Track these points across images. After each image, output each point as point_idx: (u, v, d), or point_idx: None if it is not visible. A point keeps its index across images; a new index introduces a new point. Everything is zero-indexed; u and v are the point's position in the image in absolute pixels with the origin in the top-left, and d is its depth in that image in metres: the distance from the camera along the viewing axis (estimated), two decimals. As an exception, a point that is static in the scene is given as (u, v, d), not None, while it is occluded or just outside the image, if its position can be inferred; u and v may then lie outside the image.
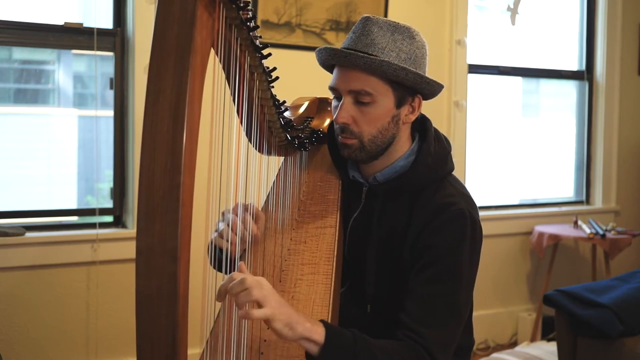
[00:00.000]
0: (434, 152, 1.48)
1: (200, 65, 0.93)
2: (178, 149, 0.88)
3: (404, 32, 1.41)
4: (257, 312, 1.12)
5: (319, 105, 1.73)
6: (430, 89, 1.44)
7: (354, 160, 1.48)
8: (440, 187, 1.46)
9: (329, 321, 1.30)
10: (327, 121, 1.70)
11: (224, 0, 1.01)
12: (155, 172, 0.89)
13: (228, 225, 1.36)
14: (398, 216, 1.46)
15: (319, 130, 1.68)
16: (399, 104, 1.43)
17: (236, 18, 1.08)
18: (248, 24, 1.10)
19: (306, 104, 1.67)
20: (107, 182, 3.18)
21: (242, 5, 1.06)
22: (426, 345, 1.31)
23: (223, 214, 1.40)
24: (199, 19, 0.92)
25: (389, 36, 1.40)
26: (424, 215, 1.41)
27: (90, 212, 3.08)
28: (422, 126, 1.53)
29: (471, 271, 1.42)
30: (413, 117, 1.47)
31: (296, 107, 1.66)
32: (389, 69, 1.37)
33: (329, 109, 1.72)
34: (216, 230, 1.40)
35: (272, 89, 1.33)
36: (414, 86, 1.42)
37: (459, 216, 1.40)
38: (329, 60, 1.44)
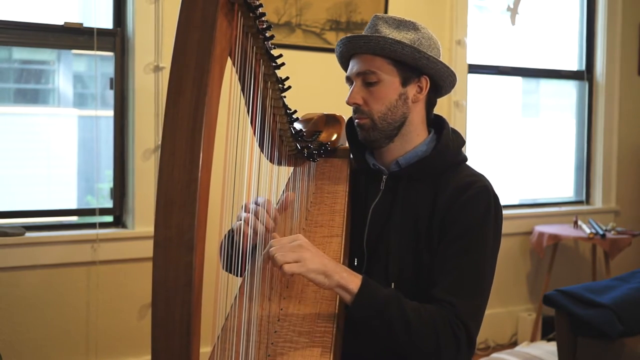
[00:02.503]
0: (453, 139, 1.59)
1: (219, 70, 0.97)
2: (197, 145, 0.92)
3: (409, 25, 1.54)
4: (288, 267, 1.26)
5: (327, 121, 1.80)
6: (432, 66, 1.52)
7: (370, 141, 1.56)
8: (460, 170, 1.56)
9: (336, 323, 1.33)
10: (335, 136, 1.77)
11: (243, 8, 1.05)
12: (175, 167, 0.92)
13: (250, 212, 1.42)
14: (421, 198, 1.53)
15: (327, 144, 1.75)
16: (405, 83, 1.53)
17: (253, 27, 1.12)
18: (264, 33, 1.15)
19: (314, 118, 1.75)
20: (107, 182, 3.18)
21: (259, 14, 1.10)
22: (457, 313, 1.39)
23: (242, 207, 1.45)
24: (219, 25, 0.95)
25: (394, 28, 1.53)
26: (449, 193, 1.50)
27: (90, 212, 3.08)
28: (438, 122, 1.63)
29: (495, 243, 1.51)
30: (421, 97, 1.56)
31: (305, 121, 1.73)
32: (385, 44, 1.48)
33: (336, 124, 1.81)
34: (239, 220, 1.45)
35: (284, 98, 1.37)
36: (413, 62, 1.51)
37: (484, 192, 1.50)
38: (342, 51, 1.56)
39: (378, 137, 1.55)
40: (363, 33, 1.55)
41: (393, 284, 1.51)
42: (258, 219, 1.39)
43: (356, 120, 1.56)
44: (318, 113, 1.79)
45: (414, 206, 1.53)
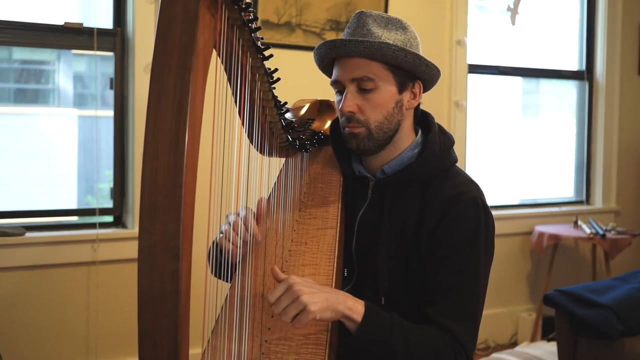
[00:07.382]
0: (440, 143, 1.50)
1: (203, 66, 0.93)
2: (180, 149, 0.88)
3: (397, 24, 1.47)
4: (297, 321, 1.22)
5: (320, 108, 1.74)
6: (429, 72, 1.46)
7: (362, 150, 1.49)
8: (449, 177, 1.48)
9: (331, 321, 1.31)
10: (328, 123, 1.71)
11: (227, 1, 1.02)
12: (158, 172, 0.89)
13: (230, 225, 1.38)
14: (409, 208, 1.48)
15: (320, 132, 1.70)
16: (401, 89, 1.46)
17: (238, 19, 1.08)
18: (250, 25, 1.11)
19: (307, 106, 1.68)
20: (107, 182, 3.18)
21: (244, 6, 1.06)
22: (457, 338, 1.36)
23: (227, 217, 1.42)
24: (202, 19, 0.92)
25: (383, 26, 1.44)
26: (437, 205, 1.44)
27: (90, 212, 3.08)
28: (424, 120, 1.56)
29: (488, 257, 1.47)
30: (415, 103, 1.50)
31: (297, 109, 1.66)
32: (388, 51, 1.40)
33: (329, 111, 1.74)
34: (220, 232, 1.41)
35: (273, 90, 1.33)
36: (413, 69, 1.44)
37: (473, 205, 1.43)
38: (330, 53, 1.46)
39: (371, 147, 1.46)
40: (349, 29, 1.47)
41: (383, 298, 1.47)
42: (237, 235, 1.36)
43: (348, 129, 1.46)
44: (311, 99, 1.71)
45: (402, 215, 1.48)
